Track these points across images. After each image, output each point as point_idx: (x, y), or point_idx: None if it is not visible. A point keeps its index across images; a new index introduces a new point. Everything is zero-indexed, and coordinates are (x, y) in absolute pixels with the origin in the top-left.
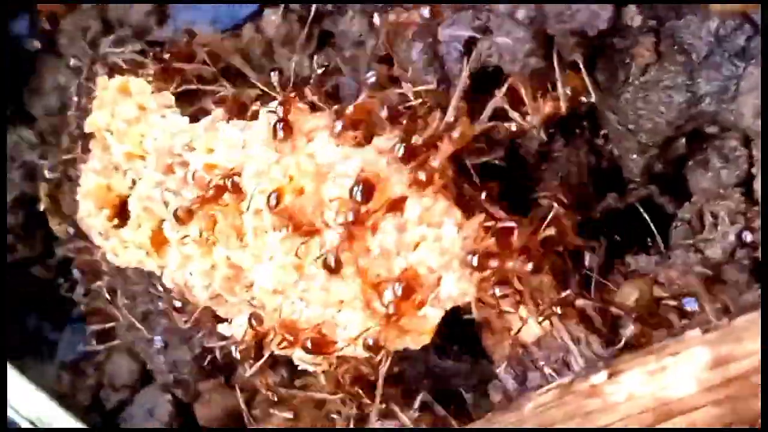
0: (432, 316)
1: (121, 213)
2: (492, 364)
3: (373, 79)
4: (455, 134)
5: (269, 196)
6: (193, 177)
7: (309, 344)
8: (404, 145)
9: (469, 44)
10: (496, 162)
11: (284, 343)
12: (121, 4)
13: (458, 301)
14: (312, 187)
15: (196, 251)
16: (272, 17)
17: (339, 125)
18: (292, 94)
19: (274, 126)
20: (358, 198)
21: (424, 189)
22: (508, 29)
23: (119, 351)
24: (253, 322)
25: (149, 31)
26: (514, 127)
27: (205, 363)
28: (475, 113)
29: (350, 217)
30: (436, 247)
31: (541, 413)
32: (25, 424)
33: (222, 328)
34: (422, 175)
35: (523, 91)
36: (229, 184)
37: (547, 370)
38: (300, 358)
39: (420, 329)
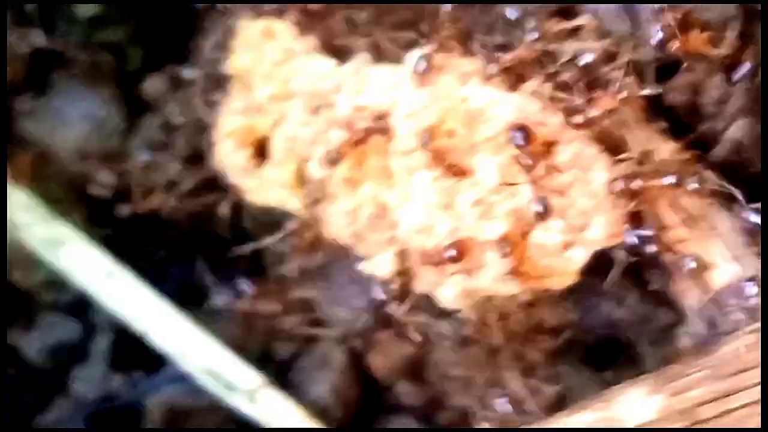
0: (577, 257)
1: (260, 154)
2: (674, 312)
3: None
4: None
5: (421, 135)
6: (342, 118)
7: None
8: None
9: None
10: None
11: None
12: None
13: (605, 243)
14: (464, 129)
15: (342, 189)
16: None
17: (493, 69)
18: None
19: (417, 68)
20: (520, 142)
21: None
22: None
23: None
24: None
25: None
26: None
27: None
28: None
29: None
30: (587, 189)
31: (740, 356)
32: (199, 375)
33: (363, 265)
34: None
35: None
36: (378, 125)
37: (740, 315)
38: (446, 297)
39: (564, 270)
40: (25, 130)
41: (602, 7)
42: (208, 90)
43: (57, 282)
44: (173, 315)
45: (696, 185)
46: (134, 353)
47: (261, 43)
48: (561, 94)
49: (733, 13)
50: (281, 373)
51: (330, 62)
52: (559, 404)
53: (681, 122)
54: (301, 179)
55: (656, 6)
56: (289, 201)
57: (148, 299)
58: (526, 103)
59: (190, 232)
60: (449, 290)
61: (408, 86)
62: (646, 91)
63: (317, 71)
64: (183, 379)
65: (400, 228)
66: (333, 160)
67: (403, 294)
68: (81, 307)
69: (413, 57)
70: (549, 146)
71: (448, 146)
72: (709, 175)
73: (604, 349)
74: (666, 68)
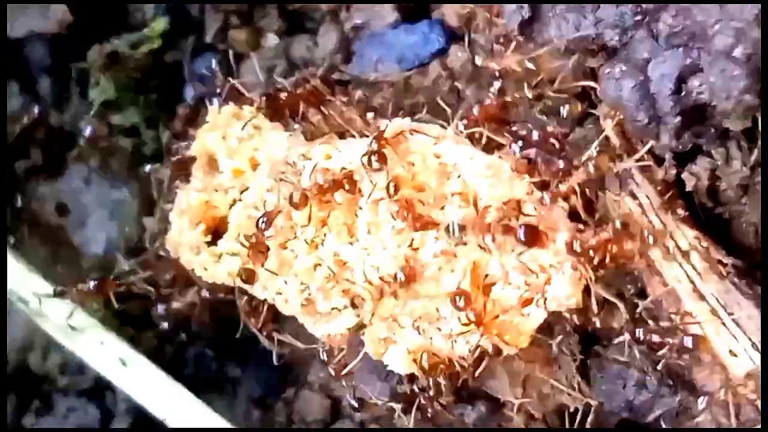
0: (535, 317)
1: (214, 233)
2: (695, 395)
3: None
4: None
5: (388, 185)
6: (310, 175)
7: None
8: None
9: (680, 82)
10: None
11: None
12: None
13: (563, 304)
14: (435, 183)
15: (302, 249)
16: (458, 54)
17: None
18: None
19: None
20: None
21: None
22: (722, 67)
23: (309, 387)
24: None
25: (335, 69)
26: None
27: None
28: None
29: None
30: (550, 248)
31: None
32: None
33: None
34: (547, 198)
35: None
36: (345, 180)
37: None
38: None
39: (521, 330)
40: (42, 214)
41: (625, 96)
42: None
43: (74, 366)
44: (192, 400)
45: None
46: None
47: (230, 123)
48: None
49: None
50: None
51: (299, 137)
52: None
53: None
54: (258, 249)
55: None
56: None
57: (166, 385)
58: (497, 163)
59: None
60: (396, 350)
61: (377, 147)
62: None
63: (284, 143)
64: None
65: (356, 285)
66: (297, 203)
67: None
68: (99, 391)
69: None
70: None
71: (415, 198)
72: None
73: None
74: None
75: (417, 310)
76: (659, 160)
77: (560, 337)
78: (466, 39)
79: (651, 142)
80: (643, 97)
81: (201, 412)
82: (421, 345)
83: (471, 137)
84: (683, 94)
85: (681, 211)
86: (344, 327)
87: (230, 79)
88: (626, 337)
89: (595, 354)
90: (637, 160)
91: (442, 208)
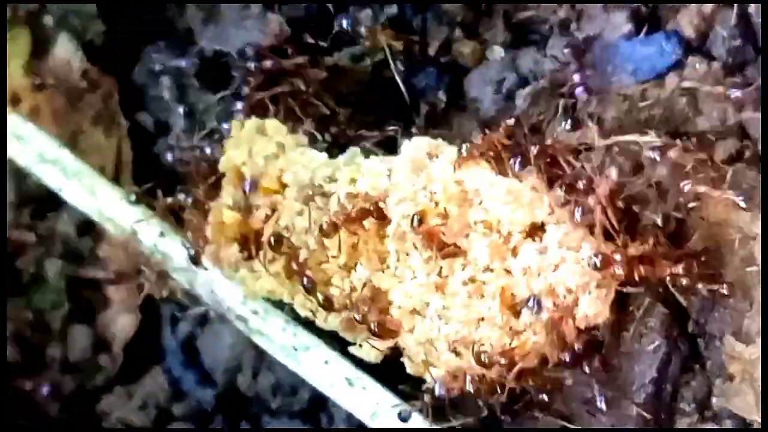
0: (566, 335)
1: (251, 248)
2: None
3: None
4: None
5: (413, 217)
6: (337, 202)
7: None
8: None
9: None
10: None
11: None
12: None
13: (592, 321)
14: (457, 211)
15: (336, 272)
16: (697, 66)
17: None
18: None
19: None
20: None
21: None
22: None
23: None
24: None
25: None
26: None
27: None
28: None
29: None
30: (576, 268)
31: None
32: None
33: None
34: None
35: None
36: (372, 208)
37: None
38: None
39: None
40: None
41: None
42: None
43: (287, 387)
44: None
45: None
46: None
47: (254, 139)
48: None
49: None
50: None
51: (322, 155)
52: None
53: None
54: (292, 269)
55: None
56: (279, 290)
57: (393, 404)
58: (517, 186)
59: None
60: (437, 371)
61: (402, 173)
62: None
63: (310, 163)
64: None
65: (392, 311)
66: (326, 232)
67: None
68: (313, 412)
69: (406, 146)
70: (539, 228)
71: (440, 227)
72: None
73: None
74: None
75: (452, 335)
76: None
77: None
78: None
79: None
80: None
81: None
82: (460, 365)
83: None
84: None
85: None
86: (385, 347)
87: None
88: None
89: None
90: None
91: (467, 235)
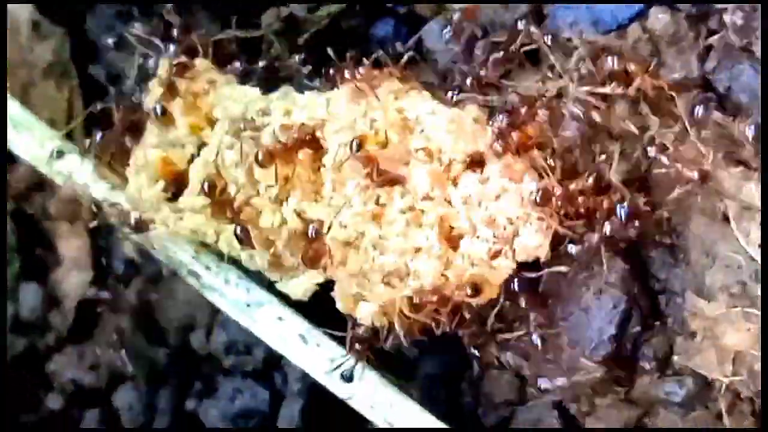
0: (504, 267)
1: (175, 186)
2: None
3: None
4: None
5: (352, 142)
6: (271, 133)
7: None
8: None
9: None
10: None
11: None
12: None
13: (532, 254)
14: (397, 138)
15: (266, 206)
16: (659, 16)
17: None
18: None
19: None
20: None
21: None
22: None
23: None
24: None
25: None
26: None
27: None
28: None
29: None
30: (517, 199)
31: None
32: None
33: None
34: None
35: None
36: (308, 138)
37: None
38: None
39: (490, 281)
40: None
41: None
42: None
43: (241, 346)
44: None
45: None
46: (327, 420)
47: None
48: None
49: None
50: None
51: (255, 90)
52: None
53: None
54: (221, 204)
55: None
56: (204, 227)
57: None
58: (459, 115)
59: None
60: (368, 306)
61: (341, 103)
62: None
63: (242, 98)
64: None
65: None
66: (262, 162)
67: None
68: (267, 372)
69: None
70: (481, 159)
71: (379, 155)
72: None
73: None
74: None
75: (387, 266)
76: None
77: None
78: None
79: None
80: None
81: (385, 390)
82: (392, 298)
83: None
84: None
85: None
86: (312, 283)
87: None
88: None
89: None
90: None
91: (407, 163)
